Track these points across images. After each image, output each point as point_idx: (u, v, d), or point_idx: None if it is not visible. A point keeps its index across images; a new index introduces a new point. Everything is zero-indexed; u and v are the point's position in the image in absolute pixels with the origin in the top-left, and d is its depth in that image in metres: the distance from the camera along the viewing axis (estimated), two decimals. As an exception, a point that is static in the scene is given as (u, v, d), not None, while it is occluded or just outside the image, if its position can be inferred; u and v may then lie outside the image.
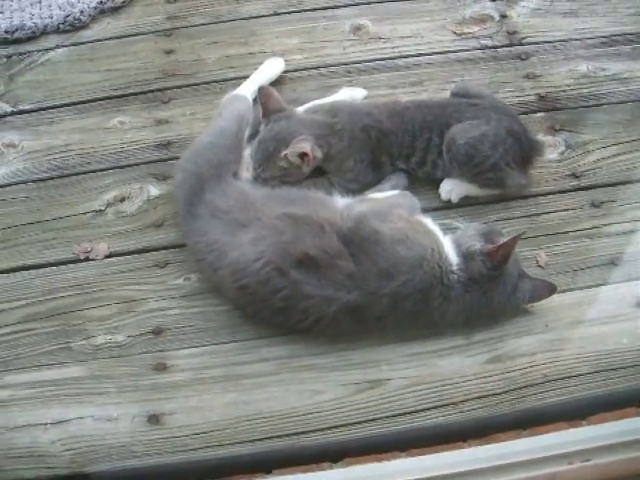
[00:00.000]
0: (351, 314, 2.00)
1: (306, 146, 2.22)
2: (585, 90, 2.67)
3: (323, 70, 2.76)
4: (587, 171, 2.44)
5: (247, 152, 2.35)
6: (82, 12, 2.95)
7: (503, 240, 2.01)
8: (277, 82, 2.68)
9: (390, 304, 1.99)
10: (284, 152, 2.22)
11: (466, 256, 2.03)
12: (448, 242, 2.08)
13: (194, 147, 2.34)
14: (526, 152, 2.33)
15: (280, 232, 2.05)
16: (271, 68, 2.67)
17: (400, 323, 2.05)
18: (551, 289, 2.10)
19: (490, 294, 2.04)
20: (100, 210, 2.41)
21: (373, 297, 1.98)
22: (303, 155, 2.23)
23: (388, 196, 2.26)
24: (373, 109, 2.40)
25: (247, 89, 2.54)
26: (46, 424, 2.01)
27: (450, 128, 2.29)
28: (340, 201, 2.19)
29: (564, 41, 2.82)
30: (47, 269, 2.30)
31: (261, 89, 2.36)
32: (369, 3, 2.98)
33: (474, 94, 2.43)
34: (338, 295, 1.97)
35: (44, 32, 2.93)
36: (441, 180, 2.35)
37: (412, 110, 2.38)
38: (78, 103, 2.71)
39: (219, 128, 2.36)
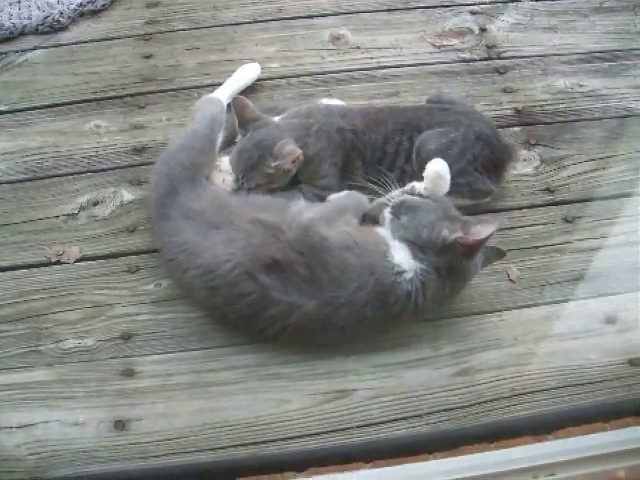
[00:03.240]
0: (315, 324, 1.99)
1: (296, 149, 2.24)
2: (562, 105, 2.69)
3: (301, 79, 2.77)
4: (561, 186, 2.46)
5: (223, 163, 2.34)
6: (61, 14, 2.94)
7: (478, 231, 1.97)
8: (254, 90, 2.69)
9: (349, 314, 1.98)
10: (276, 163, 2.23)
11: (438, 252, 2.00)
12: (400, 242, 2.03)
13: (167, 150, 2.34)
14: (498, 157, 2.34)
15: (251, 236, 2.04)
16: (246, 73, 2.68)
17: (367, 330, 2.04)
18: (500, 254, 2.14)
19: (457, 279, 2.05)
20: (73, 214, 2.40)
21: (331, 308, 1.97)
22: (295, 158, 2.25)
23: (335, 198, 2.25)
24: (347, 112, 2.42)
25: (222, 93, 2.55)
26: (12, 427, 1.99)
27: (420, 133, 2.30)
28: (294, 206, 2.17)
29: (542, 56, 2.84)
30: (19, 271, 2.29)
31: (235, 99, 2.35)
32: (349, 13, 3.00)
33: (446, 101, 2.46)
34: (300, 302, 1.97)
35: (22, 33, 2.92)
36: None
37: (385, 113, 2.41)
38: (55, 105, 2.70)
39: (191, 131, 2.35)
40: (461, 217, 2.05)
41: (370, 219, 2.15)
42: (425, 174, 2.16)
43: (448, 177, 2.15)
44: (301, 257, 1.99)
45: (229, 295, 2.03)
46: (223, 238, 2.07)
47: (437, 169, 2.14)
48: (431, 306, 2.04)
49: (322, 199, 2.27)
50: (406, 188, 2.13)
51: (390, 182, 2.15)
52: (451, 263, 2.00)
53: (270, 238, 2.03)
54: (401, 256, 2.01)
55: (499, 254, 2.13)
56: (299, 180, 2.32)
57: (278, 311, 1.99)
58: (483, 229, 1.97)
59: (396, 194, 2.11)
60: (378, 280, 1.97)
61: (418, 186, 2.12)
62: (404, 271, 1.99)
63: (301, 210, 2.13)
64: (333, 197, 2.26)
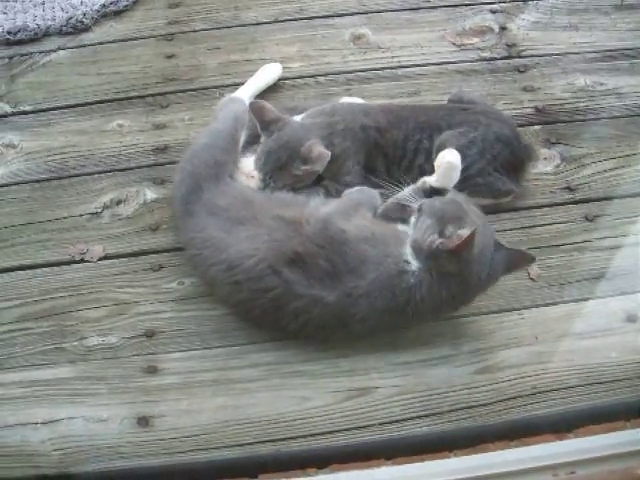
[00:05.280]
0: (336, 316, 2.00)
1: (325, 151, 2.25)
2: (582, 104, 2.68)
3: (322, 78, 2.78)
4: (582, 184, 2.46)
5: (247, 162, 2.35)
6: (85, 15, 2.97)
7: (460, 234, 1.92)
8: (276, 90, 2.71)
9: (368, 304, 1.99)
10: (306, 167, 2.25)
11: (428, 255, 1.97)
12: (408, 240, 2.03)
13: (191, 149, 2.36)
14: (517, 157, 2.34)
15: (273, 231, 2.06)
16: (268, 73, 2.70)
17: (384, 324, 2.04)
18: (528, 259, 2.07)
19: (464, 280, 1.99)
20: (96, 212, 2.42)
21: (351, 299, 1.98)
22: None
23: (348, 193, 2.25)
24: (370, 109, 2.43)
25: (244, 93, 2.57)
26: (37, 423, 2.01)
27: (440, 132, 2.31)
28: (312, 202, 2.19)
29: (563, 55, 2.84)
30: (43, 270, 2.31)
31: (252, 104, 2.36)
32: (369, 12, 3.01)
33: (467, 100, 2.47)
34: (322, 294, 1.98)
35: (46, 34, 2.95)
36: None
37: (407, 110, 2.43)
38: (78, 105, 2.73)
39: (215, 130, 2.37)
40: (468, 219, 1.99)
41: (386, 217, 2.15)
42: (436, 163, 2.16)
43: (459, 168, 2.14)
44: (322, 250, 2.01)
45: (253, 290, 2.04)
46: (247, 234, 2.09)
47: (450, 159, 2.14)
48: (431, 308, 2.02)
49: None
50: (417, 184, 2.13)
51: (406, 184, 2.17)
52: (441, 268, 1.97)
53: (292, 232, 2.05)
54: (410, 251, 2.01)
55: (526, 259, 2.06)
56: (322, 176, 2.33)
57: (301, 304, 2.00)
58: (461, 233, 1.93)
59: (408, 191, 2.12)
60: (388, 271, 1.98)
61: (429, 180, 2.12)
62: (410, 262, 1.99)
63: (318, 205, 2.15)
64: (346, 192, 2.26)
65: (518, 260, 2.06)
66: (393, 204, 2.15)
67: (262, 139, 2.32)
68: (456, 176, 2.14)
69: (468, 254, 1.95)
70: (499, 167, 2.31)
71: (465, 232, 1.92)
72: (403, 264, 1.99)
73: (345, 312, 2.00)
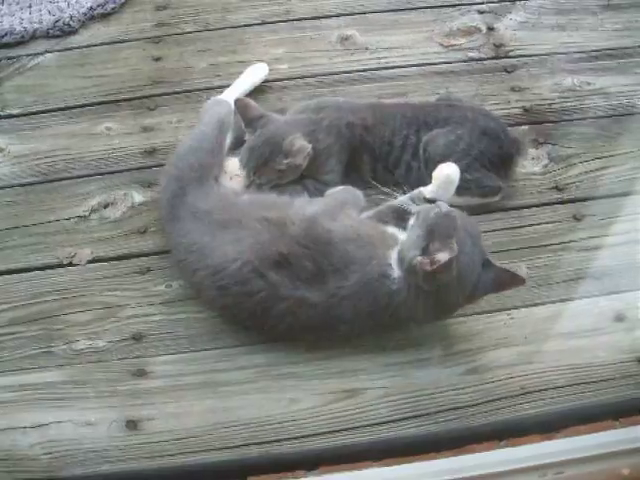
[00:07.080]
0: (322, 318, 2.00)
1: (306, 145, 2.27)
2: (570, 104, 2.69)
3: (310, 80, 2.78)
4: (570, 184, 2.46)
5: (232, 162, 2.36)
6: (72, 17, 2.96)
7: (438, 258, 1.88)
8: (263, 91, 2.71)
9: (351, 306, 1.99)
10: (287, 160, 2.27)
11: (407, 268, 1.95)
12: (395, 250, 2.02)
13: (177, 152, 2.37)
14: (506, 152, 2.36)
15: (258, 233, 2.06)
16: (254, 74, 2.69)
17: (367, 326, 2.04)
18: (517, 281, 2.00)
19: (440, 298, 1.97)
20: (84, 216, 2.42)
21: (335, 299, 1.98)
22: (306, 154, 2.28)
23: (332, 192, 2.26)
24: (357, 106, 2.45)
25: (230, 94, 2.56)
26: (25, 427, 2.00)
27: (427, 127, 2.34)
28: (296, 202, 2.18)
29: (550, 55, 2.84)
30: (31, 273, 2.30)
31: (237, 101, 2.39)
32: (357, 14, 3.01)
33: (454, 99, 2.50)
34: (307, 295, 1.98)
35: (33, 37, 2.94)
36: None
37: (393, 106, 2.45)
38: (66, 108, 2.72)
39: (200, 132, 2.38)
40: (455, 240, 1.91)
41: (377, 219, 2.14)
42: (434, 175, 2.15)
43: (457, 182, 2.14)
44: (307, 251, 2.01)
45: (239, 294, 2.04)
46: (231, 237, 2.09)
47: (448, 172, 2.13)
48: (409, 316, 2.02)
49: (323, 193, 2.30)
50: (413, 193, 2.13)
51: (394, 184, 2.19)
52: (418, 283, 1.95)
53: (276, 233, 2.05)
54: (395, 257, 2.00)
55: (516, 281, 2.00)
56: (303, 174, 2.34)
57: (287, 307, 2.00)
58: (440, 257, 1.88)
59: (403, 200, 2.12)
60: (371, 270, 1.98)
61: (424, 190, 2.12)
62: (393, 268, 1.98)
63: (303, 205, 2.15)
64: (330, 192, 2.28)
65: (507, 281, 2.01)
66: (388, 208, 2.15)
67: (247, 136, 2.34)
68: (452, 190, 2.14)
69: (446, 277, 1.91)
70: (487, 163, 2.32)
71: (444, 257, 1.88)
72: (386, 267, 1.98)
73: (330, 313, 1.99)
